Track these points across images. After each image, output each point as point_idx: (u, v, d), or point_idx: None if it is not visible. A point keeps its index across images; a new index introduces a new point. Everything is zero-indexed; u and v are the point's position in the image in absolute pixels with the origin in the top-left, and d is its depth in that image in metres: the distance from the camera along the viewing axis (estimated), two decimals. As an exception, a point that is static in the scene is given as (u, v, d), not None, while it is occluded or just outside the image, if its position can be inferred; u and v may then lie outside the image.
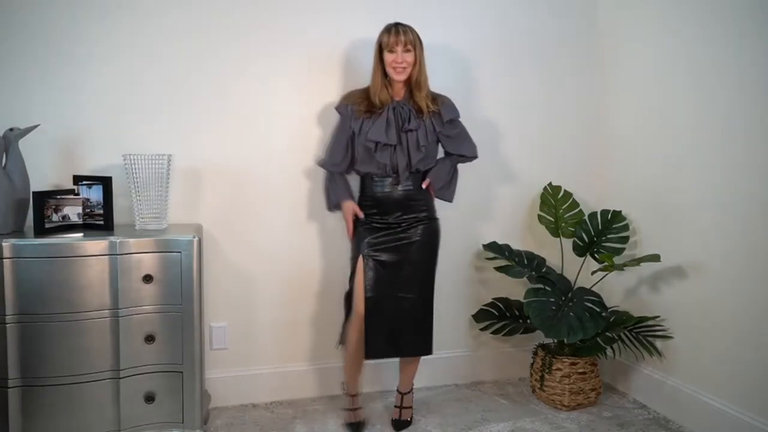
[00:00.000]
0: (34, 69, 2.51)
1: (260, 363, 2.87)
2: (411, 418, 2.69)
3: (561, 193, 3.03)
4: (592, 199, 3.19)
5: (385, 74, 2.51)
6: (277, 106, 2.79)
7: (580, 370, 2.81)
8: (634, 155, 2.95)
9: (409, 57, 2.46)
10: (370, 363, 2.75)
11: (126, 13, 2.58)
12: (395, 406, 2.71)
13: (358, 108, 2.53)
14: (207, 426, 2.60)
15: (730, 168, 2.42)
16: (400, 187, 2.55)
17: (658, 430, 2.62)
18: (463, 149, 2.70)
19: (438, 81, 2.91)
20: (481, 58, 3.02)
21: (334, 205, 2.68)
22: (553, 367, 2.82)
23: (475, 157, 2.74)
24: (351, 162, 2.60)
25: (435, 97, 2.60)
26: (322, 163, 2.67)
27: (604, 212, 2.97)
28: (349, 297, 2.60)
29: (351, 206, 2.60)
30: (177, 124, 2.67)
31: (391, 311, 2.51)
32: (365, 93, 2.56)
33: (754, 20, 2.32)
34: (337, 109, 2.61)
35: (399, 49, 2.44)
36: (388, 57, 2.46)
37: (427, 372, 3.06)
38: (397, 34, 2.44)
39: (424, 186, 2.62)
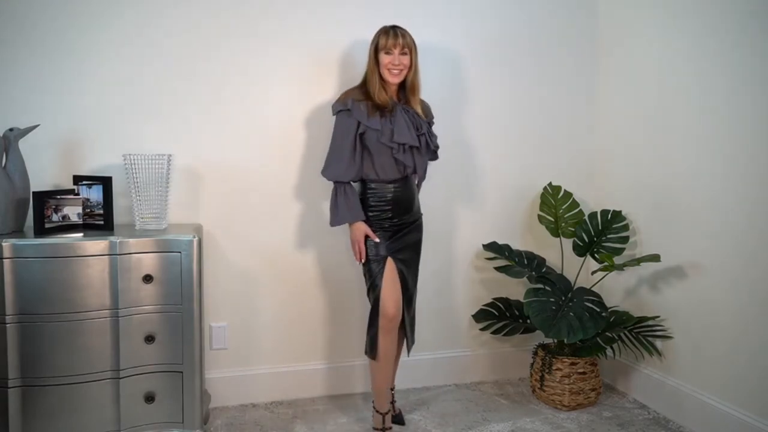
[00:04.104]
0: (34, 69, 2.51)
1: (260, 363, 2.87)
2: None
3: (561, 193, 3.03)
4: (592, 199, 3.19)
5: (380, 76, 2.48)
6: (278, 106, 2.79)
7: (580, 370, 2.81)
8: (634, 155, 2.95)
9: (406, 60, 2.44)
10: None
11: (126, 12, 2.58)
12: (389, 403, 2.61)
13: (368, 105, 2.46)
14: (207, 426, 2.60)
15: (731, 168, 2.42)
16: (407, 189, 2.55)
17: (658, 430, 2.62)
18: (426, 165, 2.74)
19: (437, 80, 2.92)
20: (481, 57, 3.02)
21: (340, 222, 2.52)
22: (553, 367, 2.82)
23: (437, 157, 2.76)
24: (360, 163, 2.50)
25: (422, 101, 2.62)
26: (331, 176, 2.51)
27: (604, 212, 2.97)
28: (376, 303, 2.48)
29: (364, 229, 2.49)
30: (177, 124, 2.68)
31: (408, 308, 2.58)
32: (364, 91, 2.50)
33: (754, 19, 2.32)
34: (339, 107, 2.49)
35: (396, 51, 2.42)
36: (384, 59, 2.43)
37: (427, 372, 3.06)
38: (395, 37, 2.42)
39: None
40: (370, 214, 2.52)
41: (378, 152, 2.47)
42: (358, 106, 2.46)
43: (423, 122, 2.53)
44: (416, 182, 2.66)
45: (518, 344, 3.17)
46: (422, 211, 2.69)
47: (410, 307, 2.60)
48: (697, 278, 2.59)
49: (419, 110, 2.53)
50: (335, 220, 2.52)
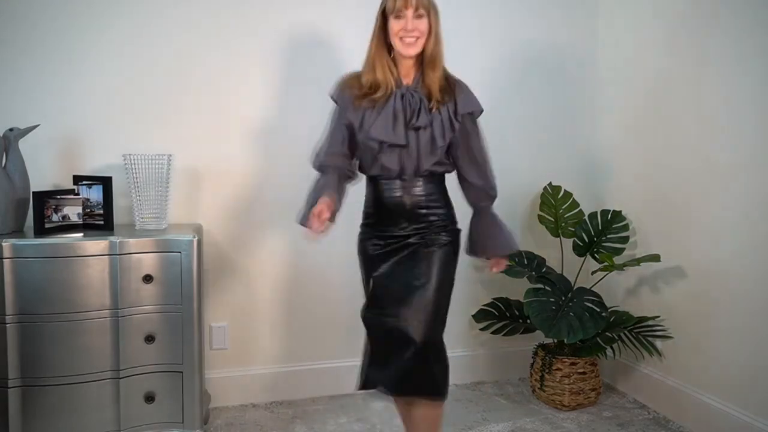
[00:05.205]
0: (33, 69, 2.51)
1: (260, 363, 2.87)
2: None
3: (561, 193, 3.03)
4: (592, 199, 3.19)
5: (389, 49, 1.93)
6: (278, 106, 2.79)
7: (580, 370, 2.81)
8: (634, 155, 2.95)
9: (422, 24, 1.88)
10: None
11: (126, 12, 2.58)
12: None
13: (357, 94, 1.96)
14: (207, 426, 2.60)
15: (731, 167, 2.42)
16: (409, 193, 1.99)
17: (658, 430, 2.62)
18: (475, 177, 2.04)
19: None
20: (480, 56, 3.01)
21: (303, 214, 1.97)
22: (553, 367, 2.82)
23: (494, 197, 2.10)
24: (350, 156, 2.05)
25: (450, 82, 2.00)
26: (314, 162, 2.08)
27: (604, 212, 2.97)
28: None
29: (326, 200, 1.88)
30: (177, 124, 2.67)
31: (395, 341, 1.91)
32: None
33: (756, 18, 2.32)
34: (332, 96, 2.06)
35: (409, 13, 1.86)
36: (394, 25, 1.87)
37: (427, 372, 3.06)
38: None
39: (494, 270, 2.13)
40: (364, 221, 2.09)
41: (362, 149, 2.01)
42: (343, 94, 2.00)
43: (426, 110, 1.92)
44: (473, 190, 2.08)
45: (518, 344, 3.16)
46: (442, 192, 2.05)
47: (388, 336, 1.92)
48: (697, 278, 2.59)
49: (436, 90, 1.93)
50: (300, 214, 2.00)
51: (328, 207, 1.86)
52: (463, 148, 2.03)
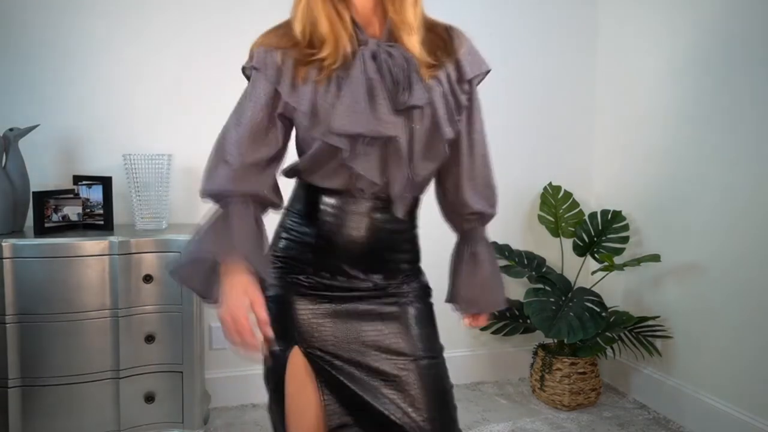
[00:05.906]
0: (34, 69, 2.51)
1: (260, 363, 2.87)
2: None
3: (561, 193, 3.03)
4: (592, 199, 3.19)
5: None
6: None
7: (580, 370, 2.81)
8: (634, 155, 2.95)
9: None
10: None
11: (126, 12, 2.58)
12: None
13: (296, 58, 1.16)
14: (207, 426, 2.60)
15: (731, 167, 2.42)
16: (383, 220, 1.24)
17: (658, 430, 2.62)
18: (478, 179, 1.32)
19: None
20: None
21: (182, 265, 1.25)
22: (553, 367, 2.82)
23: (492, 214, 1.41)
24: (277, 166, 1.31)
25: (439, 30, 1.28)
26: (209, 187, 1.26)
27: (604, 212, 2.97)
28: None
29: (247, 283, 1.17)
30: (177, 124, 2.67)
31: None
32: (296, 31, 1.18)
33: (757, 15, 2.32)
34: (247, 67, 1.25)
35: None
36: None
37: (427, 372, 3.06)
38: None
39: (468, 323, 1.49)
40: (281, 253, 1.28)
41: (316, 155, 1.23)
42: (266, 59, 1.19)
43: (418, 77, 1.15)
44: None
45: (518, 344, 3.17)
46: (417, 222, 1.36)
47: None
48: (697, 278, 2.59)
49: (414, 46, 1.16)
50: (178, 263, 1.26)
51: (250, 296, 1.15)
52: (463, 135, 1.29)
